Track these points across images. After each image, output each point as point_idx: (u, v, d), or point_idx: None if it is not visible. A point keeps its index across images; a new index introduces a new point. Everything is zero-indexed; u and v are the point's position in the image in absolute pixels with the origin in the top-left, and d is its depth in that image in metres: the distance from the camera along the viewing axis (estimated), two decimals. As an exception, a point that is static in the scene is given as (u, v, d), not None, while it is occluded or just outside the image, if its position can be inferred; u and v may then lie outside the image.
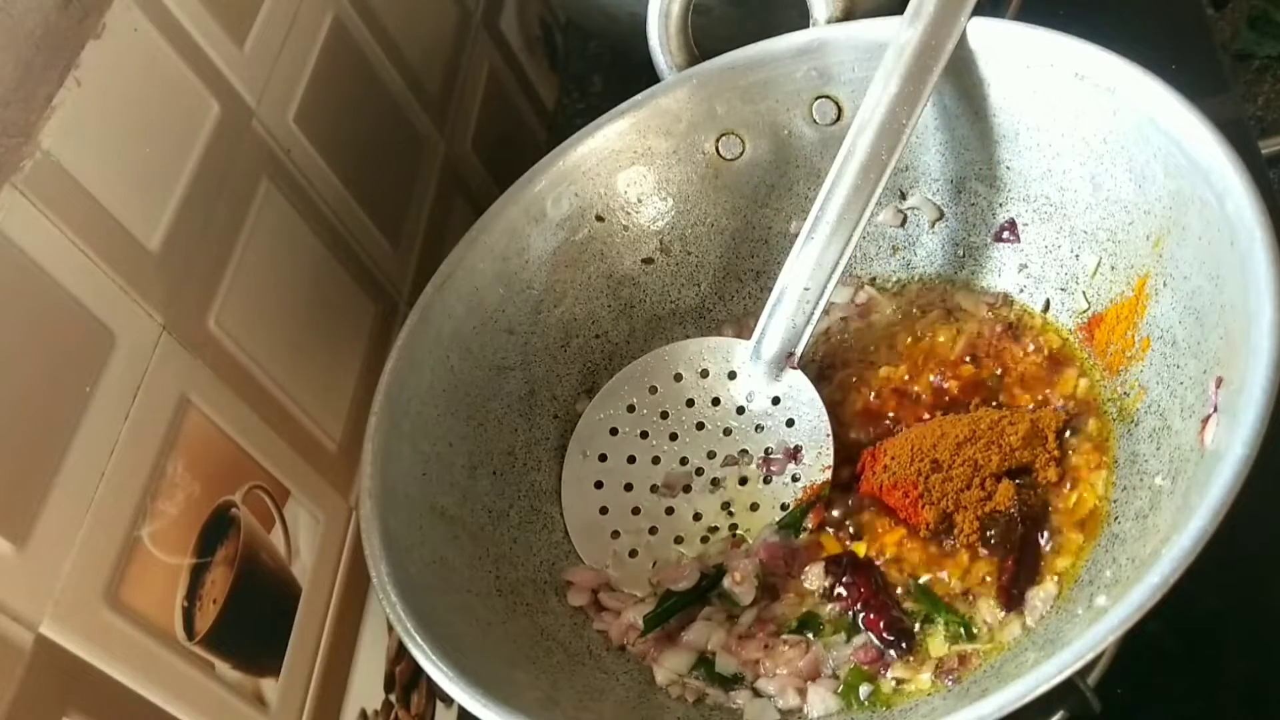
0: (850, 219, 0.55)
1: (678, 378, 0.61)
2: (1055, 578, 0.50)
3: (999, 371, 0.58)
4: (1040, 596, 0.50)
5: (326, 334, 0.61)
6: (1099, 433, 0.53)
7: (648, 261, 0.65)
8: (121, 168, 0.49)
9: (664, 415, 0.60)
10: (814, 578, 0.54)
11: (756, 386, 0.59)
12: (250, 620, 0.51)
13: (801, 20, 0.60)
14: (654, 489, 0.59)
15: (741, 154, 0.63)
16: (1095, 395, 0.55)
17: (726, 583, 0.55)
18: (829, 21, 0.59)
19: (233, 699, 0.49)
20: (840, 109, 0.61)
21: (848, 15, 0.59)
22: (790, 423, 0.58)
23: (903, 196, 0.62)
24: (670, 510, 0.58)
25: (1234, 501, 0.38)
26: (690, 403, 0.60)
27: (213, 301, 0.53)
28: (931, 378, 0.59)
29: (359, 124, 0.68)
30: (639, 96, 0.62)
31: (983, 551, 0.52)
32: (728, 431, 0.59)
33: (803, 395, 0.58)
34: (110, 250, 0.47)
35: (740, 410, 0.59)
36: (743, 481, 0.58)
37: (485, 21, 0.86)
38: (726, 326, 0.65)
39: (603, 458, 0.60)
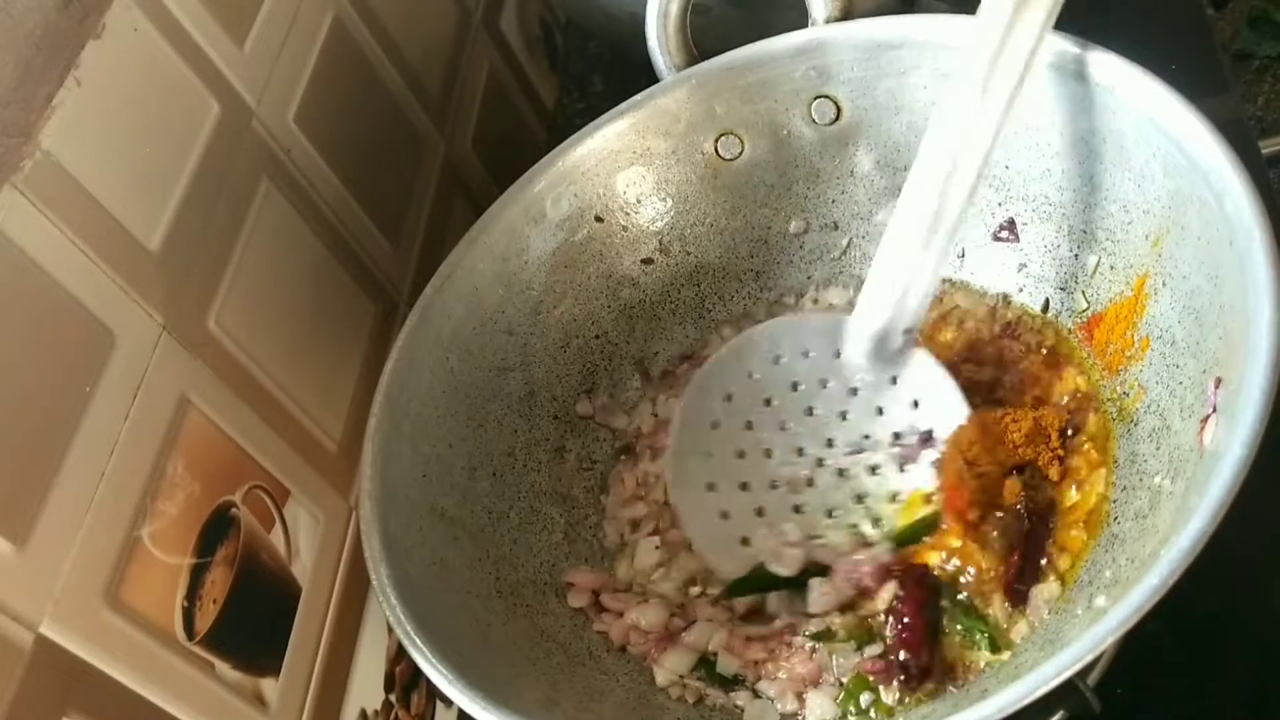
0: (973, 156, 0.50)
1: (776, 360, 0.56)
2: (1057, 576, 0.50)
3: (999, 371, 0.58)
4: (1044, 596, 0.50)
5: (326, 334, 0.61)
6: (1100, 431, 0.53)
7: (647, 262, 0.65)
8: (121, 168, 0.49)
9: (767, 402, 0.56)
10: (886, 594, 0.52)
11: (867, 366, 0.54)
12: (250, 620, 0.51)
13: (800, 20, 0.60)
14: (774, 486, 0.55)
15: (740, 154, 0.63)
16: (1095, 393, 0.54)
17: (815, 588, 0.52)
18: (828, 21, 0.59)
19: (233, 699, 0.49)
20: (839, 109, 0.61)
21: (846, 15, 0.59)
22: (916, 404, 0.54)
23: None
24: (798, 509, 0.54)
25: (1233, 502, 0.38)
26: (795, 386, 0.55)
27: (213, 301, 0.53)
28: None
29: (359, 124, 0.68)
30: (638, 97, 0.62)
31: (989, 548, 0.52)
32: (844, 415, 0.55)
33: (928, 374, 0.53)
34: (110, 250, 0.47)
35: (853, 392, 0.54)
36: (873, 470, 0.54)
37: (485, 21, 0.86)
38: (726, 326, 0.65)
39: (707, 454, 0.56)
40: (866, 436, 0.55)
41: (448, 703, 0.63)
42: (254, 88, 0.58)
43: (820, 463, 0.55)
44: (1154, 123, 0.49)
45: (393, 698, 0.60)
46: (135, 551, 0.45)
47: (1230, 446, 0.39)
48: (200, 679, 0.47)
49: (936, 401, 0.54)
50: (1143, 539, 0.46)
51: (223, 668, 0.49)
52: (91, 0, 0.49)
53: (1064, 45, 0.52)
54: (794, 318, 0.57)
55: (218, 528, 0.50)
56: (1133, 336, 0.52)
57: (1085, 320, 0.56)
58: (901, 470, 0.54)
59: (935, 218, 0.50)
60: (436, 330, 0.58)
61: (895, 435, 0.55)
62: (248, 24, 0.59)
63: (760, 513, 0.55)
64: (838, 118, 0.61)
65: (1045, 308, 0.58)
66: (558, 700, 0.50)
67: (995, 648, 0.49)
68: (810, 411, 0.56)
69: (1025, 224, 0.59)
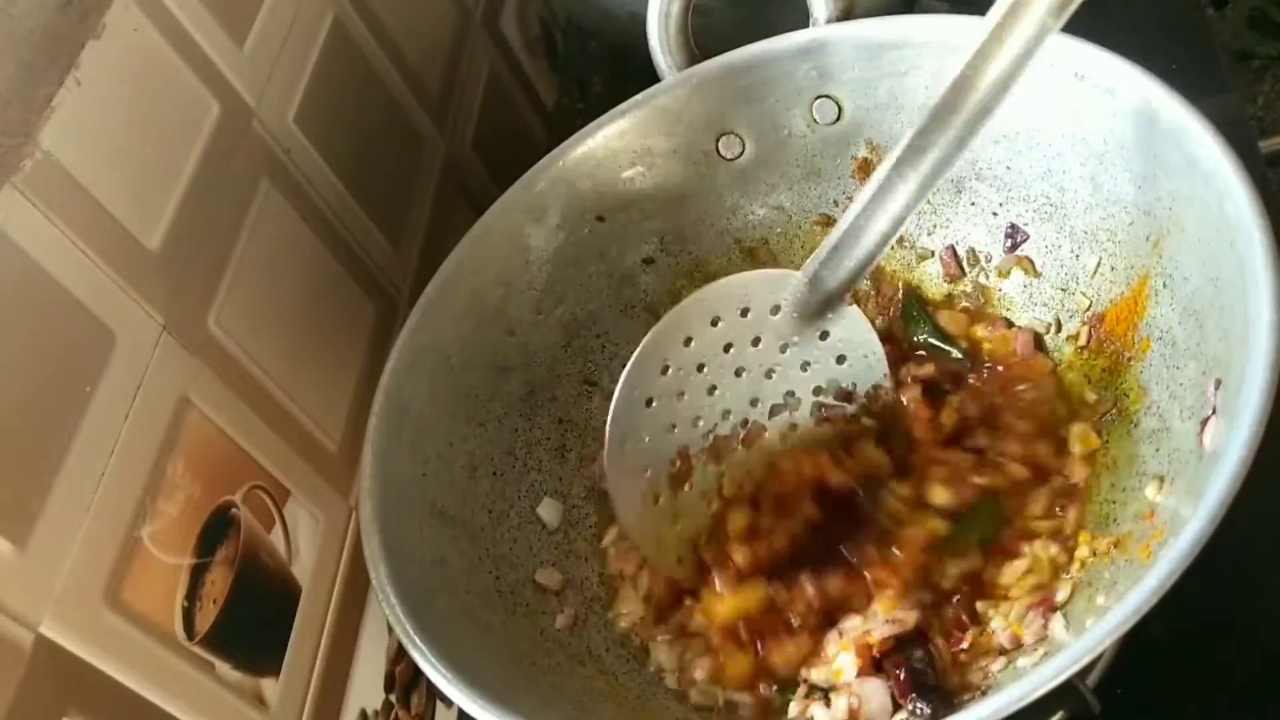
0: (934, 165, 0.49)
1: (715, 322, 0.56)
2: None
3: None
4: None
5: (326, 334, 0.61)
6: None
7: (648, 261, 0.65)
8: (121, 168, 0.49)
9: (700, 368, 0.56)
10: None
11: (799, 324, 0.55)
12: (250, 620, 0.51)
13: (802, 20, 0.60)
14: (701, 453, 0.57)
15: (741, 154, 0.63)
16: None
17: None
18: (829, 21, 0.59)
19: (233, 699, 0.49)
20: (840, 108, 0.61)
21: (847, 15, 0.59)
22: (841, 359, 0.55)
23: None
24: (721, 476, 0.56)
25: (1233, 503, 0.38)
26: (728, 348, 0.56)
27: (213, 301, 0.53)
28: None
29: (359, 124, 0.68)
30: (639, 97, 0.62)
31: None
32: (770, 374, 0.56)
33: (855, 328, 0.55)
34: (110, 250, 0.47)
35: (784, 348, 0.55)
36: (793, 428, 0.56)
37: (485, 21, 0.86)
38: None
39: (640, 438, 0.56)
40: (790, 393, 0.56)
41: (448, 703, 0.63)
42: (254, 88, 0.58)
43: (744, 423, 0.57)
44: (1154, 123, 0.49)
45: (393, 698, 0.60)
46: (135, 551, 0.45)
47: (1230, 448, 0.39)
48: (200, 679, 0.47)
49: (860, 358, 0.55)
50: (1143, 540, 0.46)
51: (223, 668, 0.49)
52: (91, 0, 0.48)
53: (1064, 45, 0.52)
54: (739, 276, 0.57)
55: (218, 528, 0.50)
56: (1133, 337, 0.52)
57: (1086, 321, 0.56)
58: (817, 426, 0.56)
59: (897, 188, 0.50)
60: (437, 330, 0.58)
61: (816, 389, 0.56)
62: (248, 24, 0.59)
63: (691, 487, 0.56)
64: (839, 118, 0.61)
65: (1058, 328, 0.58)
66: (558, 700, 0.50)
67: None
68: (739, 373, 0.56)
69: (1026, 224, 0.59)
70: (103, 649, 0.43)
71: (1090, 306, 0.56)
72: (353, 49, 0.69)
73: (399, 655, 0.61)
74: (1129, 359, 0.53)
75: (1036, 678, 0.38)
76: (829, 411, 0.55)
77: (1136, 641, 0.40)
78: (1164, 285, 0.50)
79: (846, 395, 0.55)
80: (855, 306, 0.55)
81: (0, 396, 0.41)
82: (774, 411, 0.57)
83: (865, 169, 0.62)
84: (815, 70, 0.60)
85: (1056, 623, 0.48)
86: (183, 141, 0.53)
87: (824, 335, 0.56)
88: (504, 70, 0.88)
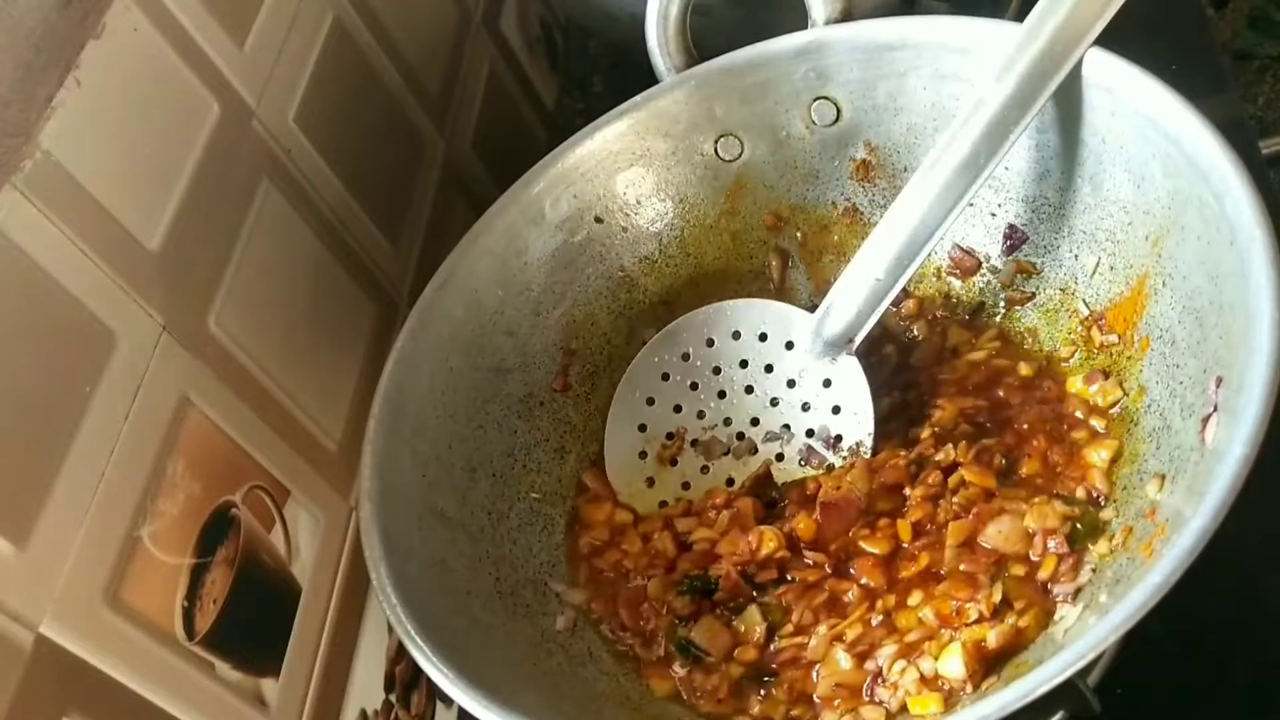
0: (936, 216, 0.53)
1: (736, 335, 0.61)
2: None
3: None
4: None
5: (326, 334, 0.61)
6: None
7: (647, 263, 0.65)
8: (121, 168, 0.49)
9: (716, 371, 0.61)
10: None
11: (809, 364, 0.58)
12: (250, 620, 0.51)
13: (800, 21, 0.60)
14: (694, 444, 0.60)
15: (740, 155, 0.63)
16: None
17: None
18: (828, 22, 0.59)
19: (233, 699, 0.49)
20: (839, 110, 0.61)
21: (846, 16, 0.59)
22: (836, 410, 0.58)
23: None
24: (705, 469, 0.60)
25: (1235, 501, 0.38)
26: (744, 364, 0.60)
27: (213, 301, 0.53)
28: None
29: (359, 124, 0.68)
30: (638, 98, 0.62)
31: None
32: (774, 402, 0.59)
33: (853, 384, 0.57)
34: (110, 250, 0.47)
35: (790, 384, 0.59)
36: (779, 458, 0.58)
37: (485, 21, 0.86)
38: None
39: (650, 401, 0.61)
40: (786, 426, 0.59)
41: (448, 703, 0.63)
42: (254, 88, 0.58)
43: (740, 436, 0.60)
44: (1154, 123, 0.49)
45: (393, 698, 0.60)
46: (135, 551, 0.45)
47: (1232, 445, 0.39)
48: (200, 679, 0.47)
49: (851, 414, 0.58)
50: (1144, 538, 0.46)
51: (223, 668, 0.49)
52: (91, 0, 0.48)
53: (1064, 45, 0.52)
54: (761, 301, 0.61)
55: (218, 528, 0.50)
56: (1133, 336, 0.52)
57: (1084, 321, 0.56)
58: (800, 465, 0.58)
59: (907, 248, 0.54)
60: (436, 331, 0.58)
61: (809, 431, 0.59)
62: (248, 24, 0.59)
63: (674, 463, 0.61)
64: (837, 119, 0.61)
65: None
66: (559, 701, 0.50)
67: None
68: (749, 390, 0.60)
69: (1024, 224, 0.59)
70: (103, 649, 0.43)
71: (1089, 307, 0.56)
72: (353, 49, 0.69)
73: (399, 655, 0.61)
74: (1129, 358, 0.53)
75: (1038, 676, 0.38)
76: (814, 457, 0.58)
77: (1137, 641, 0.40)
78: (1163, 284, 0.50)
79: (834, 442, 0.58)
80: (855, 360, 0.57)
81: (0, 396, 0.41)
82: (768, 438, 0.59)
83: (864, 171, 0.62)
84: (814, 71, 0.60)
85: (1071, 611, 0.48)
86: (183, 141, 0.53)
87: (827, 383, 0.58)
88: (504, 70, 0.88)
